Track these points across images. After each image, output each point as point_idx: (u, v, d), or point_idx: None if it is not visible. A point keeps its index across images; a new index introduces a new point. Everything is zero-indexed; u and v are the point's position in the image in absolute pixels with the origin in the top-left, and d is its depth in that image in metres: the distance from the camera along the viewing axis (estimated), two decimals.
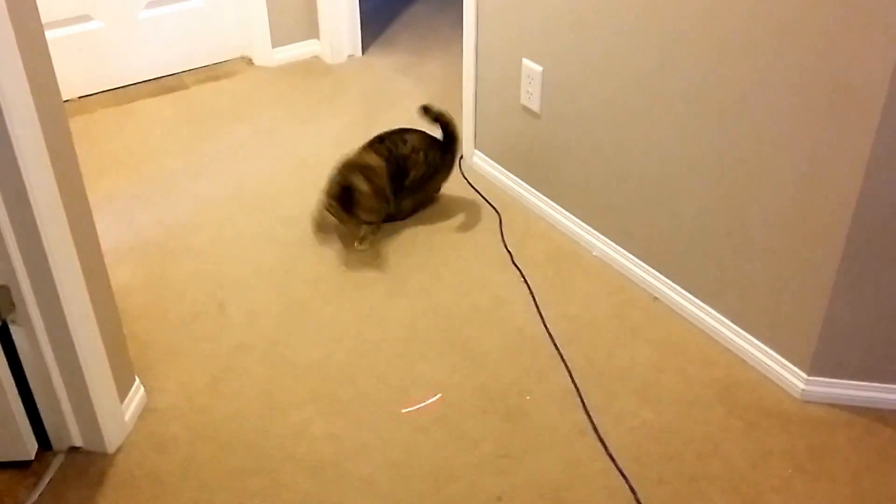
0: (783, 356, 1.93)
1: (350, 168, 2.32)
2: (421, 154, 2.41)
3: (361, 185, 2.28)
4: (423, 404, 1.85)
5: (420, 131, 2.45)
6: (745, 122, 1.82)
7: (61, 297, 1.59)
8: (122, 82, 3.21)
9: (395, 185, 2.38)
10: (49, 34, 1.53)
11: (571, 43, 2.20)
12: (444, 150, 2.48)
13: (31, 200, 1.47)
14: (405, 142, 2.40)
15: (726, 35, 1.79)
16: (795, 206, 1.78)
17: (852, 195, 1.66)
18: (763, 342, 1.97)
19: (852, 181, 1.65)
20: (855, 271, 1.74)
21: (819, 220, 1.74)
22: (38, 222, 1.50)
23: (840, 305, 1.78)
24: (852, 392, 1.88)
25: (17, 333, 1.63)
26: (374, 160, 2.35)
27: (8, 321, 1.61)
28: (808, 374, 1.88)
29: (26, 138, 1.44)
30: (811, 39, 1.63)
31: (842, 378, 1.87)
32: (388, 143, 2.40)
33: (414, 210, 2.52)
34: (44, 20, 1.51)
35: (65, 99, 1.61)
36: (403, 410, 1.86)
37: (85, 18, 3.05)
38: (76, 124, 1.66)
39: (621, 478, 1.73)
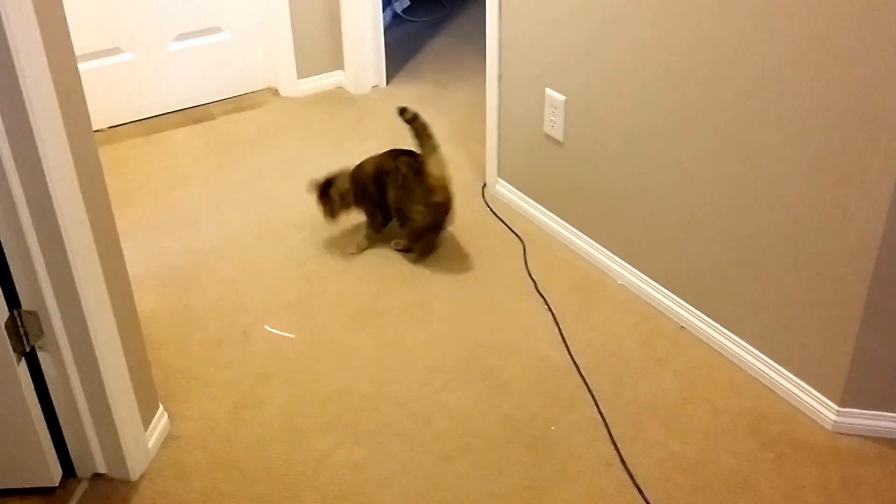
0: (814, 387, 1.89)
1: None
2: (400, 176, 2.37)
3: (343, 180, 2.48)
4: (281, 333, 1.98)
5: (416, 156, 2.40)
6: (769, 151, 1.81)
7: (89, 323, 1.60)
8: (150, 113, 3.26)
9: (381, 199, 2.45)
10: (80, 66, 1.55)
11: (594, 72, 2.21)
12: (415, 171, 2.37)
13: (61, 228, 1.49)
14: (395, 158, 2.42)
15: (750, 65, 1.78)
16: (822, 234, 1.76)
17: (879, 223, 1.64)
18: (793, 373, 1.93)
19: (878, 209, 1.63)
20: (884, 300, 1.71)
21: (846, 248, 1.72)
22: (68, 249, 1.51)
23: (871, 335, 1.75)
24: (885, 423, 1.84)
25: (44, 360, 1.64)
26: (365, 164, 2.50)
27: (36, 347, 1.62)
28: (840, 406, 1.85)
29: (58, 167, 1.46)
30: (835, 68, 1.62)
31: (874, 409, 1.84)
32: (384, 155, 2.47)
33: (421, 243, 2.46)
34: (76, 53, 1.54)
35: (94, 129, 1.63)
36: (266, 327, 2.10)
37: (115, 51, 3.11)
38: (105, 154, 1.68)
39: None
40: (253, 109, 3.35)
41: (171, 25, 3.18)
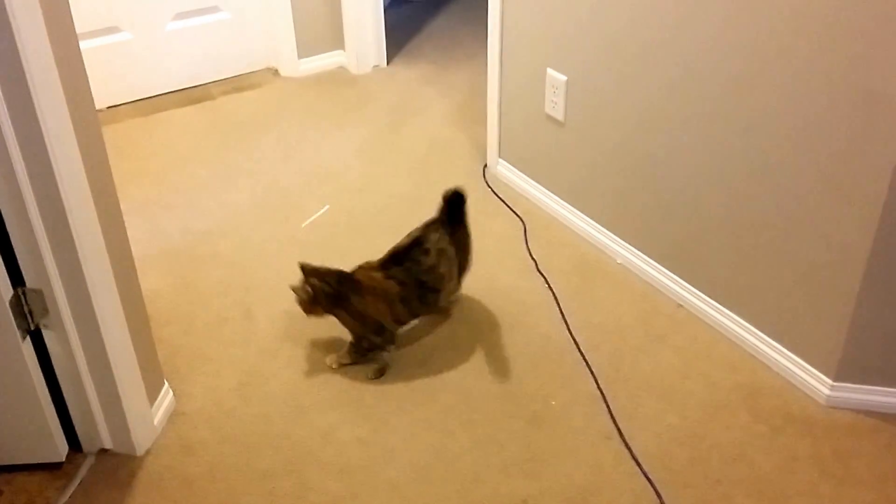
0: (808, 362, 1.92)
1: (354, 284, 1.97)
2: (444, 260, 2.01)
3: (359, 304, 1.95)
4: (317, 214, 1.77)
5: (435, 224, 2.05)
6: (770, 130, 1.82)
7: (93, 302, 1.62)
8: (149, 93, 3.26)
9: (421, 301, 2.02)
10: None
11: (596, 52, 2.21)
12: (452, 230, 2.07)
13: (65, 205, 1.50)
14: (426, 252, 1.98)
15: (753, 44, 1.79)
16: (821, 212, 1.78)
17: (878, 200, 1.65)
18: (788, 348, 1.96)
19: (878, 187, 1.65)
20: (881, 276, 1.73)
21: (844, 225, 1.74)
22: (72, 227, 1.53)
23: (866, 310, 1.77)
24: (879, 398, 1.87)
25: (49, 337, 1.66)
26: (389, 286, 1.96)
27: (41, 325, 1.64)
28: (834, 380, 1.87)
29: (60, 143, 1.47)
30: (840, 47, 1.63)
31: (868, 384, 1.86)
32: (407, 263, 1.98)
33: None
34: None
35: None
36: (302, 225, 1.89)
37: (114, 30, 3.10)
38: (104, 134, 1.69)
39: (647, 482, 1.73)
40: (253, 89, 3.35)
41: (169, 4, 3.17)
